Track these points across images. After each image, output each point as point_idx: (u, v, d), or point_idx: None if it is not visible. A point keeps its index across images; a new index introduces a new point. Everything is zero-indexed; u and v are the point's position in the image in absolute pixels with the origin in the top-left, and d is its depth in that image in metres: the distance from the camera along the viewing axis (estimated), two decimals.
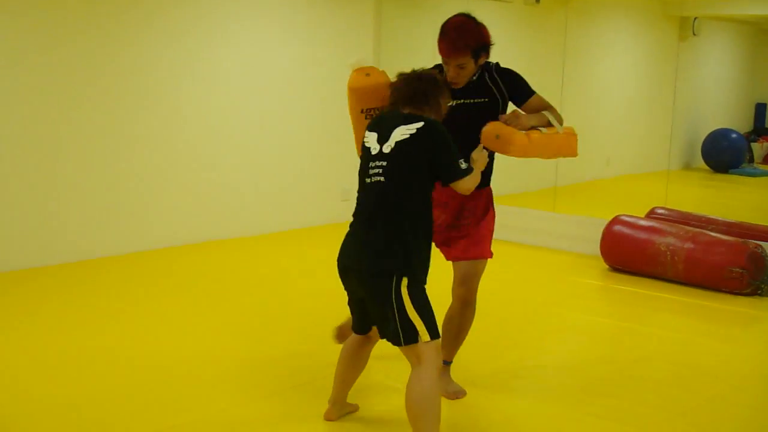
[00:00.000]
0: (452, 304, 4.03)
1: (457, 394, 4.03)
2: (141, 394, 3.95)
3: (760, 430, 3.85)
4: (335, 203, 8.04)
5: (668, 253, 6.11)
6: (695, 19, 10.10)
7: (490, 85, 3.93)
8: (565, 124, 3.95)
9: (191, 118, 6.90)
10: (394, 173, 3.24)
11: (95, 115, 6.31)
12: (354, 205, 3.40)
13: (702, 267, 6.01)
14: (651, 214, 7.03)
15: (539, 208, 7.50)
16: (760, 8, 9.94)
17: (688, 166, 10.67)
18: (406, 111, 3.35)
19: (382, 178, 3.25)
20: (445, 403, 3.74)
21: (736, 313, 5.66)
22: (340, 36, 7.89)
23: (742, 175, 10.44)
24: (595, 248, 6.69)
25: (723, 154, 10.55)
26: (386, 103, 3.60)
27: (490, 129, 3.73)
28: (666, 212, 7.02)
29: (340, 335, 4.29)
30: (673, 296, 5.92)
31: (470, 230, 3.95)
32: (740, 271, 5.88)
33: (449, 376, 4.10)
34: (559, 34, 8.27)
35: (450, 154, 3.29)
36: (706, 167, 10.63)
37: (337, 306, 5.34)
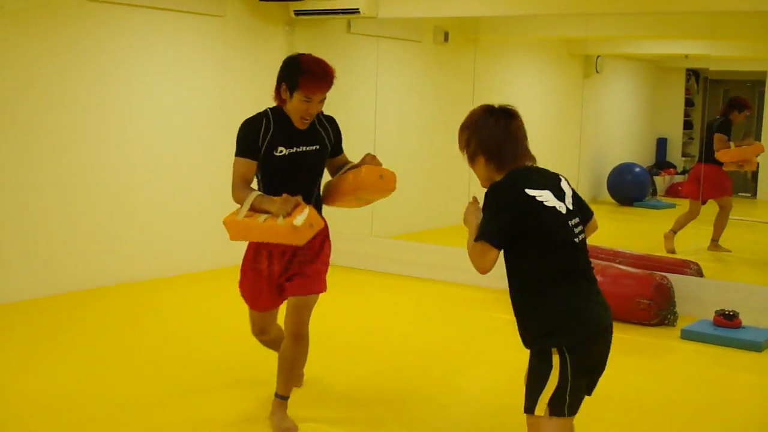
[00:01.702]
0: (285, 340, 3.93)
1: (289, 430, 3.92)
2: None
3: None
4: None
5: None
6: (598, 57, 10.42)
7: (320, 129, 3.90)
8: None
9: (100, 161, 6.78)
10: (583, 227, 3.10)
11: (5, 158, 6.17)
12: None
13: (611, 299, 6.05)
14: None
15: (453, 245, 7.58)
16: (657, 48, 10.32)
17: (594, 200, 10.94)
18: (530, 162, 3.10)
19: (584, 235, 3.08)
20: None
21: (645, 344, 5.80)
22: (252, 79, 7.88)
23: (646, 207, 10.75)
24: None
25: (627, 187, 10.86)
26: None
27: (371, 170, 3.90)
28: None
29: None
30: None
31: (303, 268, 3.89)
32: (648, 302, 6.03)
33: (285, 412, 3.99)
34: (468, 72, 8.43)
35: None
36: (612, 200, 10.92)
37: (239, 349, 5.30)
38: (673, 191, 11.05)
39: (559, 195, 3.00)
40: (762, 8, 6.34)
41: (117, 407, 4.29)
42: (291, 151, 3.77)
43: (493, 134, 3.01)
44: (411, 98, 9.19)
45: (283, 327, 4.03)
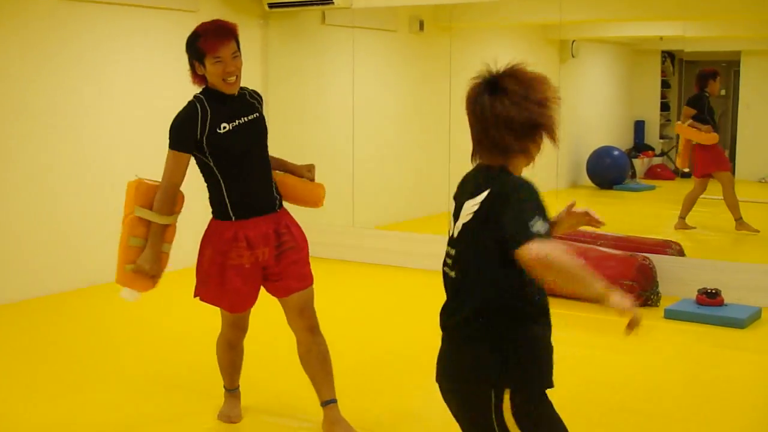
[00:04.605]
0: (301, 339, 3.73)
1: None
2: None
3: None
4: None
5: None
6: (573, 41, 10.43)
7: (252, 100, 3.71)
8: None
9: (72, 160, 6.73)
10: (464, 267, 2.40)
11: None
12: None
13: None
14: None
15: (435, 233, 7.57)
16: (633, 30, 10.34)
17: (574, 184, 10.97)
18: (483, 162, 2.42)
19: (453, 273, 2.43)
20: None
21: None
22: None
23: (626, 190, 10.79)
24: None
25: (607, 171, 10.89)
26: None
27: (323, 192, 3.84)
28: None
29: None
30: (568, 311, 6.03)
31: (295, 255, 3.68)
32: (630, 283, 6.05)
33: (339, 414, 3.78)
34: (444, 60, 8.42)
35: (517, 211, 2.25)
36: (592, 184, 10.95)
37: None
38: (651, 173, 11.09)
39: (455, 214, 2.45)
40: None
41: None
42: (233, 125, 3.57)
43: (468, 117, 2.40)
44: (388, 88, 9.18)
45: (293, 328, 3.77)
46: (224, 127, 3.54)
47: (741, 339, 5.48)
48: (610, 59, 11.78)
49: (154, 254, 3.54)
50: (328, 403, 3.75)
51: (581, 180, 11.02)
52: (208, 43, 3.51)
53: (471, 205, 2.35)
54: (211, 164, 3.58)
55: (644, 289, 6.09)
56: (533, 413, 2.38)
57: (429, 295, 6.61)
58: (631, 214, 9.95)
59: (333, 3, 7.49)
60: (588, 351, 5.21)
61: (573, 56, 10.52)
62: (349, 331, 5.64)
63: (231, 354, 3.95)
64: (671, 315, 5.84)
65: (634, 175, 11.04)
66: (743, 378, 4.80)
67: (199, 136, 3.53)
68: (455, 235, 2.40)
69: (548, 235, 2.22)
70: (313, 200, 3.85)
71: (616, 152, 10.88)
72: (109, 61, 6.91)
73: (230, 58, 3.52)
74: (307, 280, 3.71)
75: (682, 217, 8.49)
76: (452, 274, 2.41)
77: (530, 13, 9.00)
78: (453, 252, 2.40)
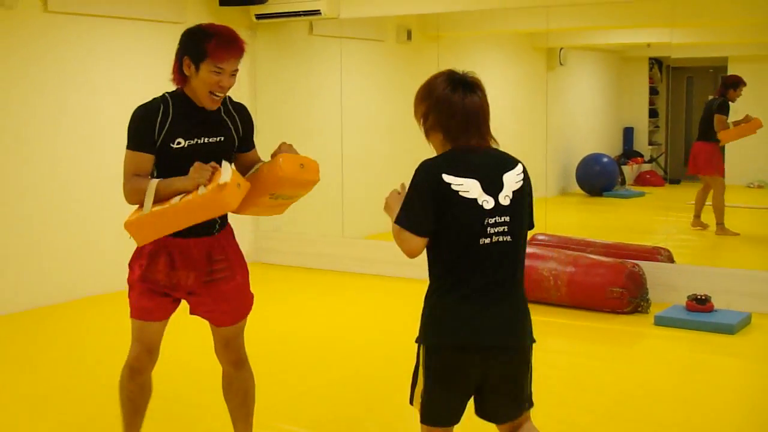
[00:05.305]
0: (224, 371, 3.47)
1: None
2: None
3: None
4: None
5: (551, 277, 6.25)
6: (561, 49, 10.45)
7: (226, 119, 3.29)
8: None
9: (62, 170, 6.71)
10: (516, 230, 2.73)
11: None
12: None
13: (584, 289, 6.17)
14: (532, 241, 7.17)
15: None
16: (620, 37, 10.37)
17: (564, 192, 10.98)
18: (483, 144, 2.77)
19: (507, 238, 2.70)
20: None
21: (619, 332, 5.82)
22: None
23: (615, 197, 10.80)
24: None
25: (596, 178, 10.91)
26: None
27: (290, 159, 3.22)
28: (547, 238, 7.19)
29: None
30: (558, 320, 6.04)
31: (228, 286, 3.32)
32: (620, 290, 6.06)
33: None
34: (432, 69, 8.36)
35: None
36: (582, 191, 10.97)
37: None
38: (641, 180, 11.11)
39: (491, 187, 2.68)
40: None
41: None
42: (191, 143, 3.17)
43: (451, 110, 2.72)
44: (376, 98, 9.18)
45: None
46: (179, 143, 3.16)
47: (731, 345, 5.49)
48: (598, 66, 11.81)
49: (180, 179, 3.10)
50: None
51: (571, 187, 11.03)
52: (220, 50, 3.13)
53: (515, 175, 2.74)
54: (154, 174, 3.23)
55: (634, 296, 6.09)
56: None
57: (419, 304, 6.61)
58: (621, 220, 9.97)
59: (320, 13, 7.50)
60: (577, 359, 5.21)
61: (561, 64, 10.54)
62: (338, 342, 5.63)
63: (132, 385, 3.36)
64: (661, 322, 5.85)
65: (623, 182, 11.06)
66: (733, 384, 4.80)
67: (155, 138, 3.17)
68: (505, 203, 2.69)
69: None
70: (276, 177, 3.26)
71: (605, 159, 10.90)
72: (95, 72, 6.90)
73: (229, 74, 3.16)
74: (237, 314, 3.39)
75: (697, 216, 8.58)
76: (507, 239, 2.70)
77: (518, 22, 9.02)
78: (507, 219, 2.70)
